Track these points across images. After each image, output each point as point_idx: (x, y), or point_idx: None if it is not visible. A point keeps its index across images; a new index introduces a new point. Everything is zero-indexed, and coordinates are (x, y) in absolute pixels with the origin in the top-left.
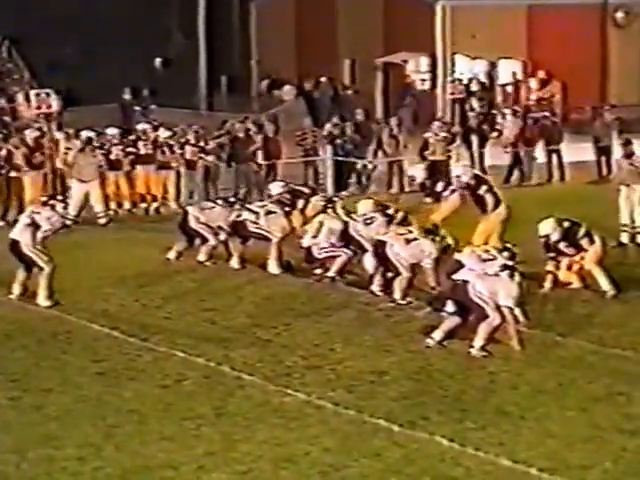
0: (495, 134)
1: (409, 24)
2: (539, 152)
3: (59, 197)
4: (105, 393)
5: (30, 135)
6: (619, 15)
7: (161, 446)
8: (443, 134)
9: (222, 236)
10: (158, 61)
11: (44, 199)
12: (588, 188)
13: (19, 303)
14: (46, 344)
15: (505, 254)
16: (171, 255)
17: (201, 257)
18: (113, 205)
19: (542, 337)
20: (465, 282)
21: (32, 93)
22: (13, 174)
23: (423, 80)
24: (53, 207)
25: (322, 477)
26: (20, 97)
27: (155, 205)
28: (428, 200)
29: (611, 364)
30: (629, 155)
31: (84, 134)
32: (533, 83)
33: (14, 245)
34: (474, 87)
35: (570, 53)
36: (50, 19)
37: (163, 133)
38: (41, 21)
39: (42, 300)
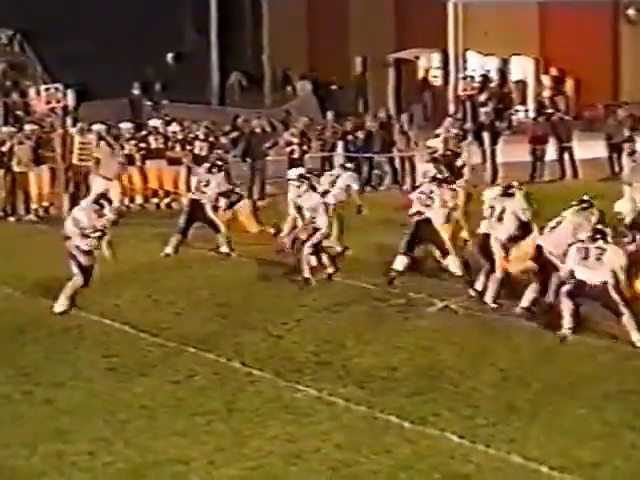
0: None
1: (421, 20)
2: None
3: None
4: (116, 388)
5: (30, 130)
6: (631, 12)
7: (172, 441)
8: (455, 131)
9: None
10: (170, 56)
11: (94, 198)
12: (600, 185)
13: (30, 297)
14: (57, 338)
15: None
16: (169, 250)
17: (224, 249)
18: (125, 200)
19: (552, 335)
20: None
21: (42, 88)
22: (18, 169)
23: (435, 76)
24: (102, 207)
25: (332, 473)
26: (32, 92)
27: (167, 200)
28: None
29: (623, 361)
30: (631, 153)
31: (95, 128)
32: (545, 80)
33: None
34: (487, 83)
35: (582, 50)
36: (62, 13)
37: (174, 128)
38: (53, 15)
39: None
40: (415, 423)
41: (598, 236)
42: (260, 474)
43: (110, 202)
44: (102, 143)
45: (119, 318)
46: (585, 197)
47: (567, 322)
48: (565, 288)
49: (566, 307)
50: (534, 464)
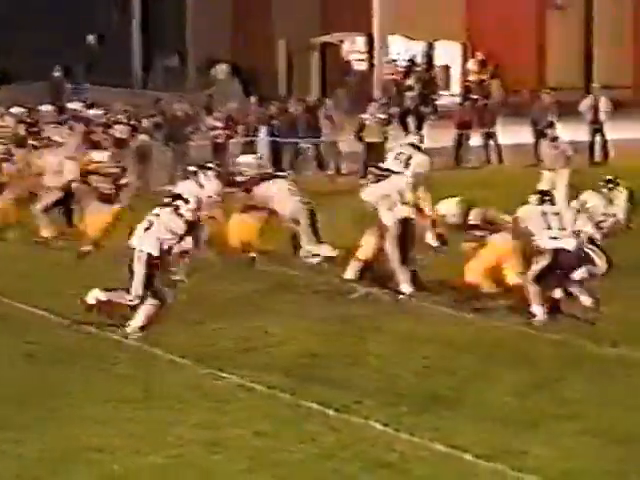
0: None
1: (346, 3)
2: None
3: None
4: (38, 376)
5: None
6: None
7: (94, 430)
8: (380, 115)
9: None
10: (92, 38)
11: (167, 199)
12: (526, 171)
13: None
14: None
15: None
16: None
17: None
18: None
19: (479, 321)
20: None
21: None
22: None
23: (360, 60)
24: (177, 209)
25: (255, 461)
26: None
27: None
28: (363, 182)
29: (548, 349)
30: (553, 139)
31: (14, 111)
32: (471, 65)
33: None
34: (413, 68)
35: (509, 35)
36: None
37: (95, 112)
38: None
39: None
40: (339, 411)
41: (547, 197)
42: (182, 462)
43: (187, 201)
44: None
45: (40, 304)
46: (609, 177)
47: (540, 310)
48: (532, 271)
49: (534, 292)
50: (459, 452)
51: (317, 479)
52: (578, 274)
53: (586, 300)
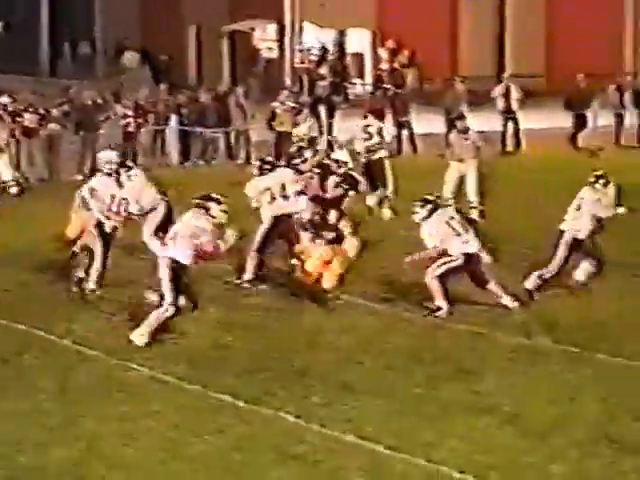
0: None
1: None
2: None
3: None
4: None
5: None
6: None
7: (2, 422)
8: (291, 104)
9: None
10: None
11: (198, 201)
12: (438, 161)
13: None
14: None
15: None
16: None
17: None
18: None
19: (390, 312)
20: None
21: None
22: None
23: (270, 49)
24: (207, 211)
25: (166, 453)
26: None
27: None
28: None
29: (461, 341)
30: (464, 130)
31: None
32: (383, 53)
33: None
34: (325, 56)
35: (420, 23)
36: None
37: (4, 100)
38: None
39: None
40: (249, 402)
41: (432, 206)
42: (92, 455)
43: (218, 202)
44: None
45: None
46: (599, 172)
47: (444, 304)
48: (439, 271)
49: (438, 289)
50: (370, 444)
51: (228, 471)
52: (530, 282)
53: (507, 300)
